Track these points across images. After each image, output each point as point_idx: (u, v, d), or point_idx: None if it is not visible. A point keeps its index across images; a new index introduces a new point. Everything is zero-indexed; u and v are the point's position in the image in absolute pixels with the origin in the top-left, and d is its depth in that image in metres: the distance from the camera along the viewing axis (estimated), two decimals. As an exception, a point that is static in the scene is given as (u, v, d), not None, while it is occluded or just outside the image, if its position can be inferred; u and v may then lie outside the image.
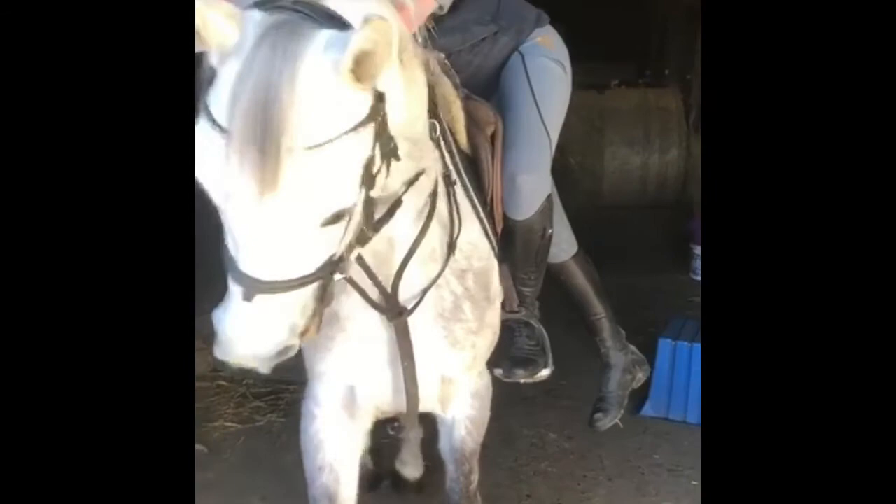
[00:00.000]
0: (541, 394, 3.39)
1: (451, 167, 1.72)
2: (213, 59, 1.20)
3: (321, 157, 1.17)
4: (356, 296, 1.66)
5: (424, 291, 1.68)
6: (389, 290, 1.65)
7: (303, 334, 1.33)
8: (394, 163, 1.37)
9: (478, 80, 2.01)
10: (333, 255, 1.31)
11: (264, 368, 1.33)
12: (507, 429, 3.22)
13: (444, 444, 1.98)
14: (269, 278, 1.23)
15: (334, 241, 1.30)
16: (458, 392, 1.88)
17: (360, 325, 1.70)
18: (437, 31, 1.80)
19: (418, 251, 1.63)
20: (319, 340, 1.72)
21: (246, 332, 1.26)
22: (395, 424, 1.90)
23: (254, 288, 1.23)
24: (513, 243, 1.93)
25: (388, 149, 1.31)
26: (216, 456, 3.07)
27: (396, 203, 1.48)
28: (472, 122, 1.85)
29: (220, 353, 1.29)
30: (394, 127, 1.32)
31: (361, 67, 1.17)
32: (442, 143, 1.70)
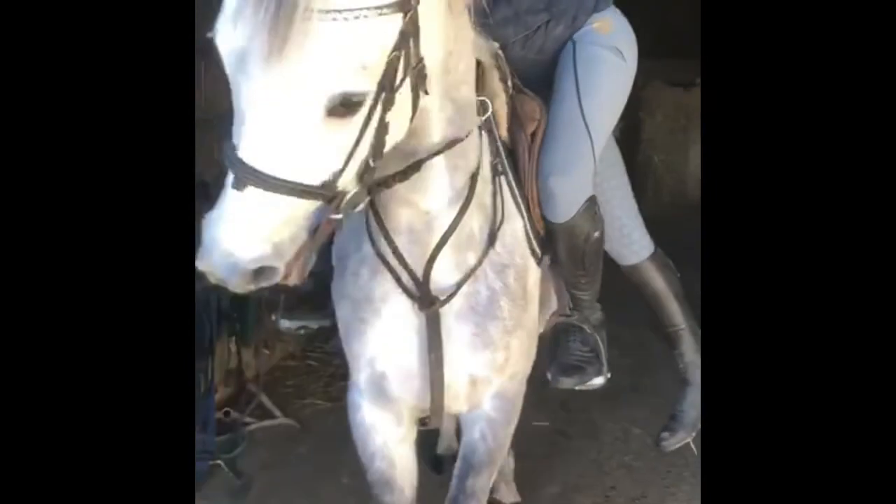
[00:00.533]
0: (625, 389, 3.40)
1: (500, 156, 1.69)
2: None
3: (337, 27, 1.15)
4: (391, 278, 1.63)
5: (459, 284, 1.62)
6: (422, 276, 1.60)
7: (286, 272, 1.26)
8: (431, 115, 1.38)
9: (535, 77, 1.87)
10: (336, 172, 1.25)
11: (240, 284, 1.24)
12: (591, 421, 3.25)
13: (459, 450, 1.87)
14: (266, 170, 1.19)
15: (338, 149, 1.24)
16: (485, 393, 1.77)
17: (392, 309, 1.65)
18: (490, 23, 1.73)
19: (455, 237, 1.58)
20: (353, 322, 1.71)
21: (228, 228, 1.20)
22: (424, 419, 1.82)
23: (248, 177, 1.19)
24: (556, 246, 1.81)
25: (415, 69, 1.28)
26: (307, 432, 3.19)
27: (414, 166, 1.46)
28: (515, 118, 1.76)
29: (200, 258, 1.23)
30: (428, 60, 1.31)
31: None
32: (494, 129, 1.69)
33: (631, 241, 2.06)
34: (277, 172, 1.19)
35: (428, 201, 1.52)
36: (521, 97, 1.78)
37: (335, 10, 1.14)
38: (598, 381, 1.94)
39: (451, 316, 1.64)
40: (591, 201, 1.79)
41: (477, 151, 1.59)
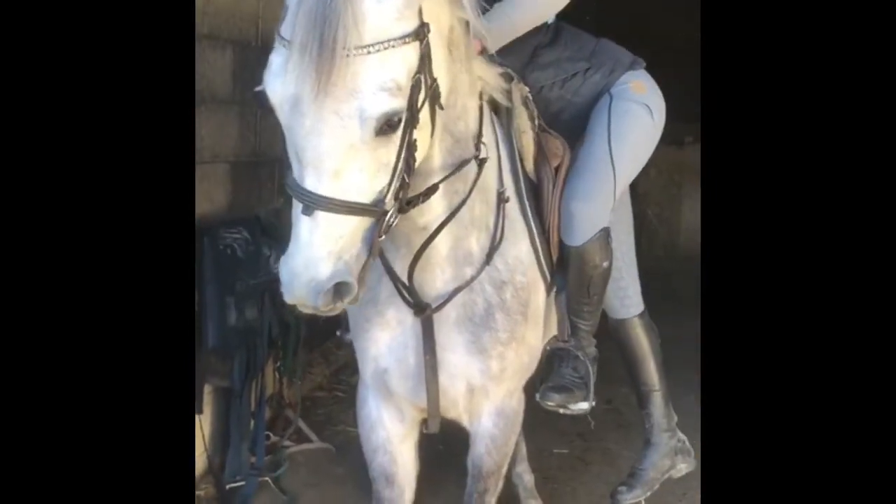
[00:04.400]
0: (638, 422, 3.62)
1: (508, 186, 1.86)
2: None
3: (372, 59, 1.34)
4: (392, 285, 1.80)
5: (454, 292, 1.78)
6: (412, 284, 1.75)
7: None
8: (434, 143, 1.56)
9: (567, 115, 2.10)
10: (384, 189, 1.42)
11: (325, 304, 1.41)
12: (607, 450, 3.49)
13: (468, 457, 2.03)
14: (328, 194, 1.36)
15: (385, 167, 1.41)
16: (484, 406, 1.93)
17: (395, 311, 1.83)
18: (532, 67, 2.06)
19: (453, 253, 1.77)
20: (360, 321, 1.89)
21: (305, 253, 1.37)
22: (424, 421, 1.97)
23: (314, 202, 1.36)
24: (567, 271, 1.96)
25: (431, 88, 1.46)
26: (343, 454, 3.37)
27: (433, 188, 1.63)
28: (541, 153, 1.96)
29: (284, 290, 1.41)
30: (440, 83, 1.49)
31: None
32: (506, 163, 1.89)
33: (626, 296, 2.22)
34: (339, 195, 1.38)
35: (425, 217, 1.68)
36: (546, 135, 2.00)
37: (369, 45, 1.35)
38: (583, 405, 2.03)
39: (449, 324, 1.81)
40: (606, 232, 1.97)
41: (472, 177, 1.75)
